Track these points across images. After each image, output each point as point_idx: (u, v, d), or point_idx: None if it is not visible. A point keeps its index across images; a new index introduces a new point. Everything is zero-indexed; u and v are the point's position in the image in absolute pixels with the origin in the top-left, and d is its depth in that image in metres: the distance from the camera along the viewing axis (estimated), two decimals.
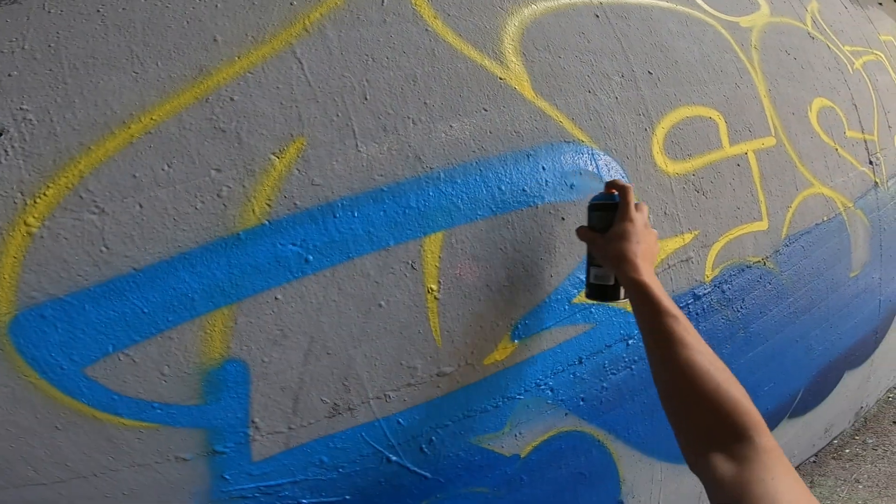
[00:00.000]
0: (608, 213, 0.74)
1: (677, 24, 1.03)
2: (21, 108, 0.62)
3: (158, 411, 0.66)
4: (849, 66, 1.43)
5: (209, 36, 0.69)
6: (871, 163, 1.38)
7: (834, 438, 1.64)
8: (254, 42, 0.70)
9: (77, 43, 0.64)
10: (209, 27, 0.69)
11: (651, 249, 0.72)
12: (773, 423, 1.28)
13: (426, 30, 0.80)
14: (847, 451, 1.62)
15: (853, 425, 1.70)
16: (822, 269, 1.21)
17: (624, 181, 0.78)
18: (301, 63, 0.72)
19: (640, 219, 0.73)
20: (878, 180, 1.41)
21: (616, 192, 0.76)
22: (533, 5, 0.88)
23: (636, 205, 0.75)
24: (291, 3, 0.73)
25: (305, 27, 0.73)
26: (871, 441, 1.65)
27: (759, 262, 1.08)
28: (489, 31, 0.84)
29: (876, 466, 1.54)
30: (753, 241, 1.06)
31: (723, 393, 0.51)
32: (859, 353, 1.48)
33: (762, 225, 1.07)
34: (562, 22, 0.90)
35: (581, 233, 0.78)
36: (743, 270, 1.05)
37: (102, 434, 0.64)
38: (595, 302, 0.78)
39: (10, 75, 0.62)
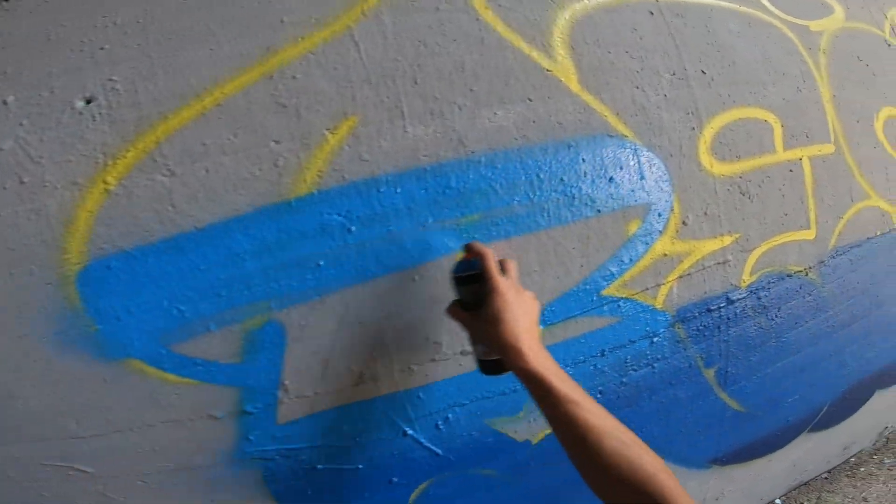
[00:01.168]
0: (474, 284, 0.64)
1: (738, 25, 0.93)
2: (110, 79, 0.64)
3: (200, 368, 0.66)
4: None
5: (278, 17, 0.68)
6: None
7: (851, 456, 1.49)
8: (317, 24, 0.69)
9: (162, 19, 0.66)
10: (278, 8, 0.68)
11: (531, 318, 0.63)
12: (791, 435, 1.17)
13: (477, 19, 0.76)
14: (862, 469, 1.48)
15: (874, 445, 1.55)
16: (869, 286, 1.08)
17: (482, 245, 0.66)
18: (358, 46, 0.70)
19: (510, 286, 0.62)
20: None
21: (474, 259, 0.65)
22: (585, 0, 0.82)
23: (502, 266, 0.65)
24: None
25: (364, 11, 0.71)
26: (888, 461, 1.49)
27: (801, 271, 0.97)
28: (539, 24, 0.79)
29: (886, 486, 1.40)
30: (798, 250, 0.95)
31: (636, 469, 0.50)
32: (894, 373, 1.32)
33: (809, 234, 0.96)
34: (614, 18, 0.84)
35: (451, 313, 0.66)
36: (783, 279, 0.95)
37: (146, 389, 0.64)
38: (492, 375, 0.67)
39: (102, 49, 0.64)
